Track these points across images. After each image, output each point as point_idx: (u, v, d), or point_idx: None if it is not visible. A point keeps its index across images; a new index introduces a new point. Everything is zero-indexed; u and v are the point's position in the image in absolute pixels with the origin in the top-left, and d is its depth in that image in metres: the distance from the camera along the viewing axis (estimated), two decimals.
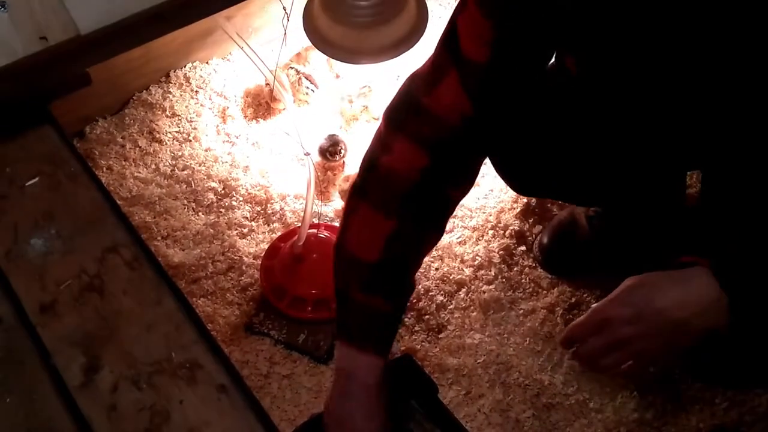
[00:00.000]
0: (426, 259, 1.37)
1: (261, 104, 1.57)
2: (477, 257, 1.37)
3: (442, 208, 0.86)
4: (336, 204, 1.46)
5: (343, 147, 1.44)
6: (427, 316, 1.32)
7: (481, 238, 1.40)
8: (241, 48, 1.34)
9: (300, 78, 1.54)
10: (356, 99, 1.54)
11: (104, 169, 1.45)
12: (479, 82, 0.78)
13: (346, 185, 1.42)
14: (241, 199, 1.44)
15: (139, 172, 1.46)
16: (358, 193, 0.84)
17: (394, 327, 0.86)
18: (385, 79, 1.59)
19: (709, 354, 0.87)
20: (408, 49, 1.36)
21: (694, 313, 0.70)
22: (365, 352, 0.82)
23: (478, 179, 1.48)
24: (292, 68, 1.55)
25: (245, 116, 1.55)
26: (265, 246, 1.38)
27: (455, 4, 1.72)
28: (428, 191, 0.81)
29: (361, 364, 0.82)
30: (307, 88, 1.54)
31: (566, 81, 0.87)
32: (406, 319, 1.31)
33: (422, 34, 1.37)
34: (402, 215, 0.81)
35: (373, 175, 0.82)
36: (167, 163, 1.48)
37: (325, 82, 1.58)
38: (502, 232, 1.40)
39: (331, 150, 1.42)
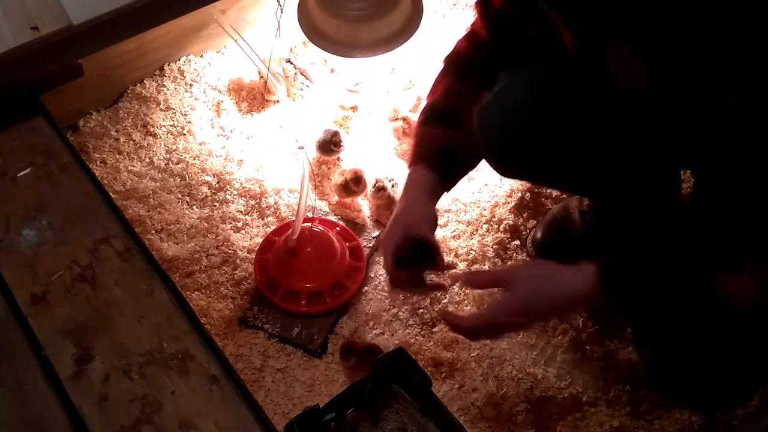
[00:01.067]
0: None
1: (255, 98, 1.56)
2: (471, 251, 1.37)
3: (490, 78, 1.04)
4: (331, 197, 1.46)
5: (340, 139, 1.44)
6: (421, 310, 1.31)
7: (475, 233, 1.40)
8: (236, 41, 1.33)
9: (296, 73, 1.54)
10: (350, 93, 1.54)
11: (98, 162, 1.45)
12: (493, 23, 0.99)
13: (341, 179, 1.41)
14: (235, 192, 1.44)
15: (133, 166, 1.46)
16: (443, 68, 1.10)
17: (452, 154, 1.04)
18: (379, 73, 1.58)
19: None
20: (402, 43, 1.36)
21: (570, 307, 0.98)
22: (422, 166, 1.02)
23: (473, 174, 1.48)
24: (288, 62, 1.55)
25: (239, 110, 1.55)
26: (259, 240, 1.38)
27: (451, 0, 1.73)
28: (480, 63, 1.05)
29: (418, 176, 1.02)
30: (302, 83, 1.54)
31: (565, 57, 0.87)
32: (400, 313, 1.31)
33: (417, 28, 1.37)
34: (459, 74, 1.06)
35: (448, 57, 1.11)
36: (161, 157, 1.48)
37: (320, 76, 1.57)
38: (496, 226, 1.39)
39: (335, 141, 1.42)
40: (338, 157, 1.48)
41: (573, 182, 1.16)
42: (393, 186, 1.39)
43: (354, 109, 1.54)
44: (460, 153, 1.04)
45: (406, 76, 1.59)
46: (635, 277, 0.85)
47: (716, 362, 0.89)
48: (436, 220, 1.05)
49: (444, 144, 1.03)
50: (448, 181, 1.06)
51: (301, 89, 1.54)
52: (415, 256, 0.97)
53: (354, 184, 1.39)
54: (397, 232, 0.98)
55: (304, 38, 1.44)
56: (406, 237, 0.97)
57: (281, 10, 1.26)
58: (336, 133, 1.44)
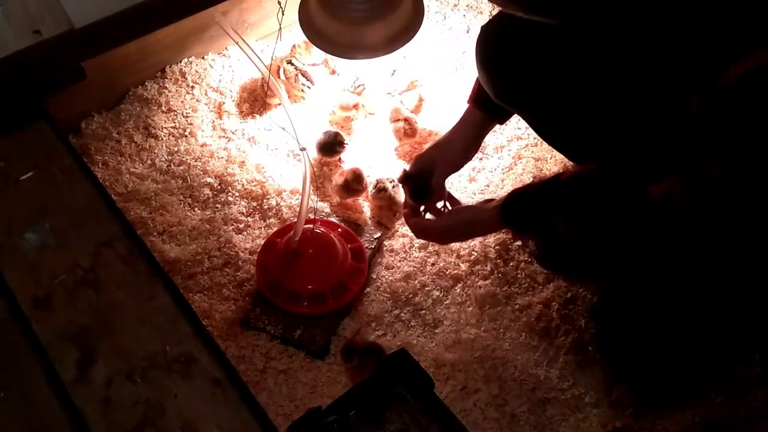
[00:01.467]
0: (422, 254, 1.38)
1: (257, 100, 1.56)
2: (473, 252, 1.37)
3: None
4: (332, 199, 1.46)
5: (343, 138, 1.44)
6: (423, 311, 1.32)
7: None
8: (237, 43, 1.33)
9: (297, 74, 1.54)
10: (351, 94, 1.54)
11: (100, 164, 1.45)
12: None
13: (341, 180, 1.41)
14: (237, 194, 1.44)
15: (135, 168, 1.46)
16: None
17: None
18: (380, 74, 1.58)
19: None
20: (404, 44, 1.35)
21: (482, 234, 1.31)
22: (472, 105, 1.22)
23: (474, 175, 1.49)
24: (290, 63, 1.55)
25: (241, 112, 1.55)
26: (261, 241, 1.38)
27: (452, 0, 1.73)
28: None
29: (467, 112, 1.23)
30: (303, 84, 1.54)
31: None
32: (402, 314, 1.31)
33: (418, 30, 1.36)
34: None
35: None
36: (163, 159, 1.48)
37: (321, 78, 1.57)
38: None
39: (338, 140, 1.42)
40: (339, 158, 1.48)
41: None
42: (394, 187, 1.39)
43: (356, 107, 1.54)
44: None
45: (408, 76, 1.59)
46: (527, 205, 1.06)
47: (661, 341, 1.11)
48: (471, 152, 1.26)
49: None
50: (497, 118, 1.24)
51: (302, 90, 1.54)
52: (417, 193, 1.24)
53: (355, 183, 1.39)
54: (419, 165, 1.24)
55: (306, 39, 1.44)
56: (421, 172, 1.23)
57: (282, 12, 1.25)
58: (337, 134, 1.44)
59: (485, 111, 1.21)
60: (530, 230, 1.18)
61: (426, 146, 1.31)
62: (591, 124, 1.02)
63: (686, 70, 0.76)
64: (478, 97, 1.21)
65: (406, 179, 1.26)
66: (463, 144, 1.24)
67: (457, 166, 1.27)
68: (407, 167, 1.29)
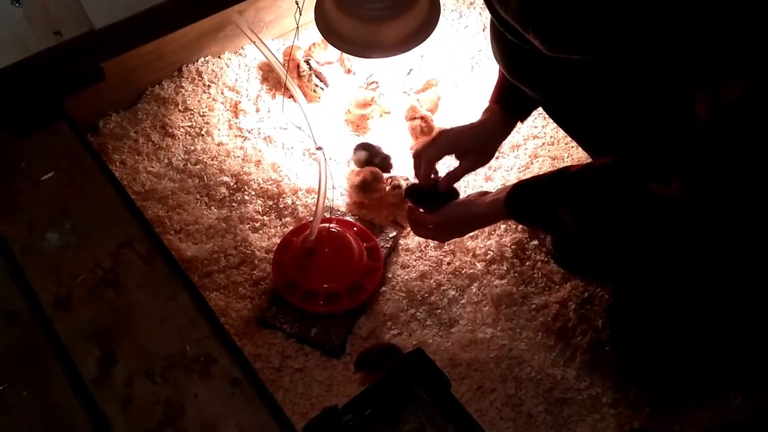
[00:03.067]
0: (437, 253, 1.38)
1: (273, 99, 1.57)
2: (489, 252, 1.37)
3: None
4: (348, 198, 1.46)
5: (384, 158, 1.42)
6: (439, 311, 1.32)
7: (493, 233, 1.39)
8: (253, 42, 1.34)
9: (311, 74, 1.54)
10: (365, 91, 1.53)
11: (117, 163, 1.46)
12: None
13: (359, 179, 1.42)
14: (253, 193, 1.45)
15: (152, 167, 1.47)
16: None
17: (518, 95, 1.15)
18: (396, 72, 1.58)
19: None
20: (420, 43, 1.35)
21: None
22: (501, 107, 1.20)
23: (490, 173, 1.48)
24: (306, 62, 1.55)
25: (257, 111, 1.56)
26: (277, 240, 1.38)
27: None
28: None
29: (494, 116, 1.21)
30: (316, 85, 1.54)
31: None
32: (417, 314, 1.31)
33: (434, 28, 1.36)
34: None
35: None
36: (180, 158, 1.49)
37: (336, 77, 1.57)
38: (514, 226, 1.39)
39: (382, 164, 1.41)
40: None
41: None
42: (406, 180, 1.39)
43: (371, 102, 1.54)
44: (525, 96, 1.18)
45: (424, 75, 1.59)
46: (532, 196, 1.05)
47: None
48: (492, 154, 1.26)
49: (515, 86, 1.15)
50: (519, 115, 1.23)
51: (314, 91, 1.55)
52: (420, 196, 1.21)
53: (374, 182, 1.39)
54: (440, 144, 1.20)
55: (322, 38, 1.44)
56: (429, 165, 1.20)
57: (300, 12, 1.26)
58: (378, 151, 1.43)
59: (506, 108, 1.20)
60: (534, 222, 1.15)
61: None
62: (600, 113, 1.01)
63: (694, 77, 0.77)
64: (499, 98, 1.20)
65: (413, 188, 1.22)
66: (489, 133, 1.21)
67: (482, 157, 1.24)
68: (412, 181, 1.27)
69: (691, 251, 0.95)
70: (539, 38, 0.83)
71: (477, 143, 1.21)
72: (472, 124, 1.22)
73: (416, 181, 1.25)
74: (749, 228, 0.88)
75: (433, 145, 1.20)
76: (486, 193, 1.17)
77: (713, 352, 1.14)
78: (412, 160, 1.49)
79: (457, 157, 1.24)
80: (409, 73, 1.59)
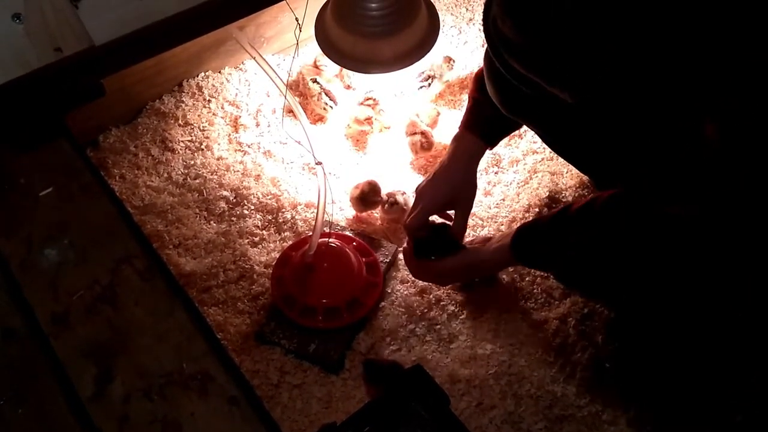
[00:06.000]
0: None
1: (273, 113, 1.57)
2: None
3: None
4: (347, 213, 1.46)
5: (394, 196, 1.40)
6: (438, 326, 1.31)
7: None
8: (254, 58, 1.34)
9: (320, 93, 1.54)
10: (364, 108, 1.54)
11: (117, 177, 1.46)
12: None
13: (358, 192, 1.42)
14: (252, 207, 1.44)
15: (152, 181, 1.47)
16: None
17: (500, 124, 1.21)
18: (396, 88, 1.59)
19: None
20: (420, 58, 1.35)
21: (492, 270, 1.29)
22: (471, 132, 1.21)
23: (490, 189, 1.48)
24: (315, 82, 1.55)
25: (257, 125, 1.56)
26: (276, 255, 1.38)
27: (467, 14, 1.73)
28: None
29: (466, 140, 1.22)
30: (326, 103, 1.54)
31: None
32: (417, 329, 1.31)
33: (434, 44, 1.37)
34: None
35: None
36: (179, 172, 1.49)
37: (337, 92, 1.58)
38: None
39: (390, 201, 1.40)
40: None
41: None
42: (404, 195, 1.39)
43: (368, 121, 1.54)
44: (504, 121, 1.19)
45: (424, 90, 1.59)
46: (538, 242, 1.07)
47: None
48: (475, 184, 1.26)
49: (488, 113, 1.18)
50: (492, 143, 1.26)
51: (324, 109, 1.55)
52: (430, 245, 1.23)
53: (372, 194, 1.40)
54: (425, 207, 1.22)
55: (322, 54, 1.45)
56: (428, 213, 1.23)
57: (300, 28, 1.26)
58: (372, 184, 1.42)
59: (478, 135, 1.22)
60: (542, 264, 1.17)
61: (421, 183, 1.28)
62: (604, 145, 1.02)
63: (699, 103, 0.77)
64: (470, 124, 1.23)
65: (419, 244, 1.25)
66: (464, 174, 1.23)
67: (468, 195, 1.26)
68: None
69: (701, 270, 0.95)
70: (567, 92, 0.83)
71: (454, 189, 1.23)
72: (443, 169, 1.24)
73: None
74: (761, 242, 0.88)
75: (417, 216, 1.23)
76: (489, 238, 1.20)
77: (718, 368, 1.13)
78: (411, 177, 1.48)
79: (447, 208, 1.27)
80: (407, 89, 1.59)
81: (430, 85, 1.57)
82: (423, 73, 1.58)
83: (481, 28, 1.70)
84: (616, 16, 0.76)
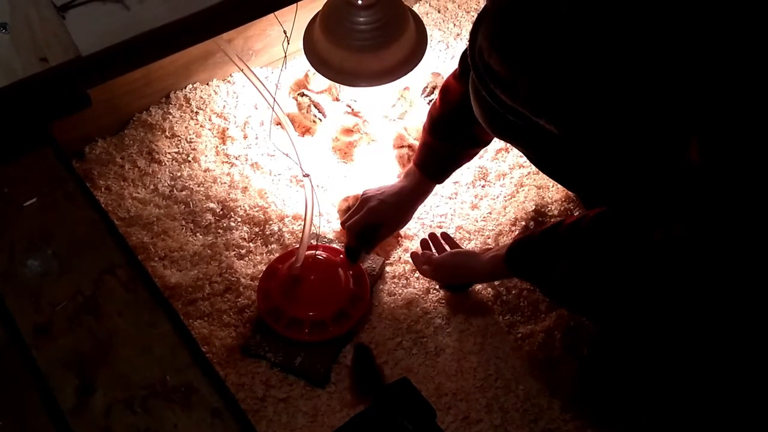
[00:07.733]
0: (424, 281, 1.37)
1: (261, 126, 1.57)
2: None
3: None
4: (335, 225, 1.46)
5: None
6: (424, 339, 1.31)
7: None
8: (242, 70, 1.34)
9: (309, 105, 1.55)
10: (349, 117, 1.55)
11: (102, 189, 1.45)
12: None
13: (345, 205, 1.42)
14: (239, 220, 1.44)
15: (138, 193, 1.46)
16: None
17: (450, 163, 1.34)
18: (383, 102, 1.59)
19: None
20: (407, 72, 1.37)
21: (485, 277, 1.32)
22: (422, 172, 1.33)
23: (477, 202, 1.49)
24: (303, 95, 1.56)
25: (245, 137, 1.56)
26: (262, 267, 1.37)
27: (454, 30, 1.75)
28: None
29: (415, 178, 1.34)
30: (315, 116, 1.55)
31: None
32: (403, 342, 1.30)
33: (421, 58, 1.38)
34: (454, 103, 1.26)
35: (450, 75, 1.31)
36: (166, 184, 1.48)
37: (325, 105, 1.58)
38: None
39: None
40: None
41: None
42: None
43: (356, 130, 1.54)
44: (454, 160, 1.33)
45: (411, 103, 1.60)
46: (531, 256, 1.11)
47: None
48: (410, 218, 1.39)
49: (439, 153, 1.30)
50: (441, 179, 1.36)
51: (314, 122, 1.55)
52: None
53: None
54: (365, 219, 1.35)
55: (311, 68, 1.46)
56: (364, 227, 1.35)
57: (288, 41, 1.27)
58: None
59: (427, 173, 1.32)
60: (533, 276, 1.18)
61: (373, 194, 1.38)
62: (584, 166, 1.02)
63: (688, 122, 0.78)
64: (422, 162, 1.32)
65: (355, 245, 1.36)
66: (410, 200, 1.35)
67: (400, 225, 1.40)
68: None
69: (687, 292, 0.95)
70: (554, 125, 0.84)
71: (396, 213, 1.36)
72: (394, 190, 1.35)
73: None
74: (750, 263, 0.88)
75: (359, 220, 1.34)
76: (489, 249, 1.27)
77: (705, 393, 1.12)
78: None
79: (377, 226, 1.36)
80: (396, 102, 1.60)
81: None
82: (426, 88, 1.59)
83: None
84: (601, 51, 0.77)
